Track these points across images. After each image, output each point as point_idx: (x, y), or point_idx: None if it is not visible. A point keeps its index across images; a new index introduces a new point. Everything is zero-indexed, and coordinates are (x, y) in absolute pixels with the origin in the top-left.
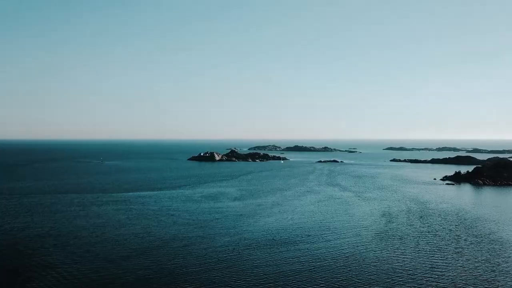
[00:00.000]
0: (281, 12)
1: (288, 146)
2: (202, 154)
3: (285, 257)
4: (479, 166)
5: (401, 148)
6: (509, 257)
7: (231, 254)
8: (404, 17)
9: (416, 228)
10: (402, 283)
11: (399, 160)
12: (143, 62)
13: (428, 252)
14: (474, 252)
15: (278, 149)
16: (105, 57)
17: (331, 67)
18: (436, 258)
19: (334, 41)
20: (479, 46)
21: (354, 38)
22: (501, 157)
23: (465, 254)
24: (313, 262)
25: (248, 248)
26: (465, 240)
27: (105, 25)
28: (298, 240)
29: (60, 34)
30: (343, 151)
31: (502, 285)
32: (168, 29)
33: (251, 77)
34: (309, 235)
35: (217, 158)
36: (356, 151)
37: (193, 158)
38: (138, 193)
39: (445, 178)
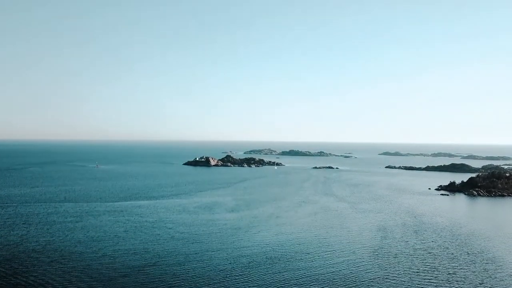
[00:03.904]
0: (282, 17)
1: (283, 150)
2: (197, 159)
3: (284, 278)
4: (474, 176)
5: (396, 153)
6: (503, 279)
7: (229, 273)
8: (400, 20)
9: (410, 245)
10: None
11: (394, 167)
12: (141, 63)
13: (422, 272)
14: (467, 273)
15: (273, 153)
16: (99, 58)
17: (331, 70)
18: (430, 279)
19: (332, 44)
20: (476, 46)
21: (351, 41)
22: (496, 164)
23: (459, 275)
24: (312, 284)
25: (247, 267)
26: (458, 259)
27: (105, 26)
28: (296, 258)
29: (60, 35)
30: (338, 155)
31: None
32: (166, 29)
33: (250, 79)
34: (307, 253)
35: (213, 163)
36: (352, 156)
37: (189, 163)
38: (135, 202)
39: (440, 188)
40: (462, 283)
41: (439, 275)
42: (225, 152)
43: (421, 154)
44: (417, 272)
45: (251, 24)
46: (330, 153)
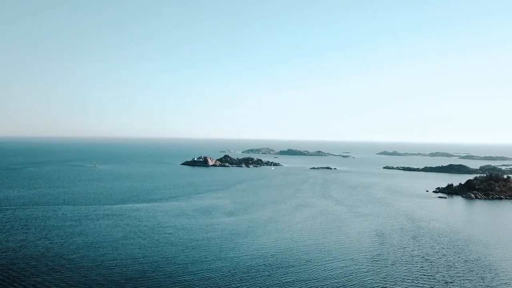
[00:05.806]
0: (285, 15)
1: (281, 149)
2: (195, 159)
3: None
4: (471, 178)
5: (394, 153)
6: None
7: (228, 282)
8: (397, 17)
9: (408, 251)
10: None
11: (392, 168)
12: (139, 61)
13: (420, 281)
14: (465, 282)
15: (272, 152)
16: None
17: (330, 70)
18: None
19: (331, 43)
20: (474, 42)
21: (349, 38)
22: (494, 164)
23: (456, 284)
24: None
25: (246, 275)
26: (456, 267)
27: (105, 26)
28: (295, 266)
29: (61, 34)
30: (336, 155)
31: None
32: (162, 28)
33: (249, 79)
34: (307, 261)
35: (211, 163)
36: (350, 156)
37: (187, 163)
38: (133, 205)
39: (437, 190)
40: None
41: (436, 285)
42: (223, 152)
43: (419, 154)
44: (415, 281)
45: (248, 21)
46: (328, 153)
